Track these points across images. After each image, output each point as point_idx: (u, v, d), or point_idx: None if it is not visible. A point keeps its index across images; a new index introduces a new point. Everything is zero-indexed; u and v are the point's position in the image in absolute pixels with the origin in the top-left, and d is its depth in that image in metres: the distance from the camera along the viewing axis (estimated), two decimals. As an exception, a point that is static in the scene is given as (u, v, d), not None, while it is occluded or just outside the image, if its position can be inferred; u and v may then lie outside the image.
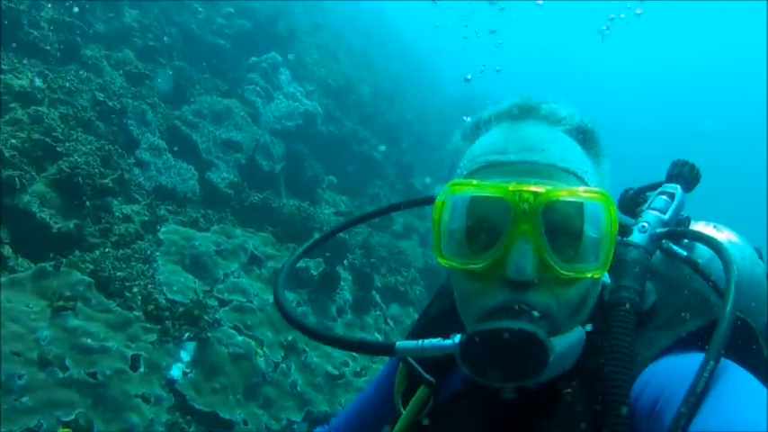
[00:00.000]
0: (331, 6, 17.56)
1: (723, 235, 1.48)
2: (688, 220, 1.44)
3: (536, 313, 1.09)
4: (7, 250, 5.20)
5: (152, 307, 5.35)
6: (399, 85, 17.35)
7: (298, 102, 9.86)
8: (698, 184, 1.50)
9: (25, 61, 7.03)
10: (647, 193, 1.52)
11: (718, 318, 1.05)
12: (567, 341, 1.12)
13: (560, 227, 1.13)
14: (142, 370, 4.90)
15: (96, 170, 6.00)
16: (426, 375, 1.37)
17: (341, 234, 7.70)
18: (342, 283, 7.06)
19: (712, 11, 48.42)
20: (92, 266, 5.30)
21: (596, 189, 1.14)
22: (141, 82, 8.26)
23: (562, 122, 1.25)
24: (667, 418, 0.98)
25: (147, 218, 6.46)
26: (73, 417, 4.36)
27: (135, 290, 5.36)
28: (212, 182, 7.64)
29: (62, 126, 6.40)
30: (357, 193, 10.36)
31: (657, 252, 1.36)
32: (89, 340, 4.74)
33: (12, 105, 6.38)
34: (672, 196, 1.43)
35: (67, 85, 7.03)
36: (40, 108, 6.45)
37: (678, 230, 1.36)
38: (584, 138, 1.25)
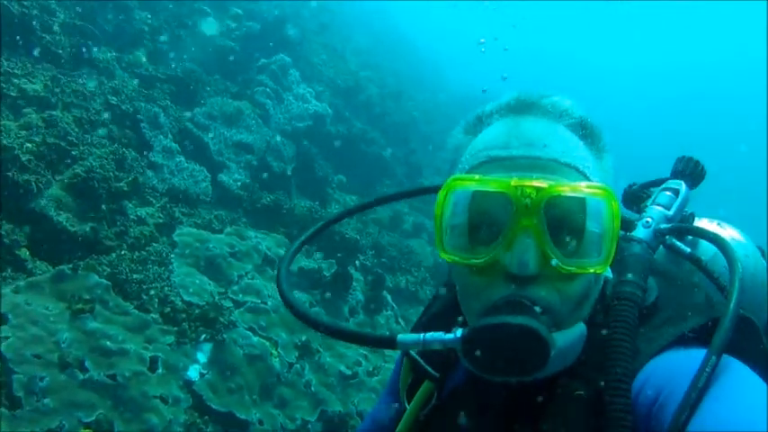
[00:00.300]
0: (337, 6, 17.61)
1: (727, 232, 1.46)
2: (692, 217, 1.43)
3: (538, 308, 1.08)
4: (25, 253, 5.27)
5: (169, 309, 5.41)
6: (405, 83, 17.39)
7: (307, 103, 9.91)
8: (703, 181, 1.48)
9: (39, 65, 7.11)
10: (652, 189, 1.50)
11: (720, 314, 1.05)
12: (569, 336, 1.12)
13: (562, 222, 1.13)
14: (160, 371, 4.96)
15: (111, 173, 6.06)
16: (430, 369, 1.38)
17: (353, 235, 7.77)
18: (354, 283, 7.11)
19: (712, 12, 48.38)
20: (109, 269, 5.36)
21: (598, 184, 1.14)
22: (153, 84, 8.33)
23: (564, 117, 1.25)
24: (669, 413, 0.98)
25: (161, 220, 6.53)
26: (93, 418, 4.43)
27: (152, 292, 5.42)
28: (224, 183, 7.70)
29: (76, 130, 6.47)
30: (366, 193, 10.40)
31: (661, 248, 1.35)
32: (108, 342, 4.80)
33: (26, 110, 6.47)
34: (676, 192, 1.42)
35: (80, 88, 7.10)
36: (54, 112, 6.53)
37: (682, 227, 1.35)
38: (586, 133, 1.25)
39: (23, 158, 5.48)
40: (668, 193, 1.42)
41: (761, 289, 1.43)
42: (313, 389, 5.89)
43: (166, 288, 5.59)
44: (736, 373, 1.03)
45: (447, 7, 41.69)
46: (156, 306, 5.41)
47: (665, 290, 1.26)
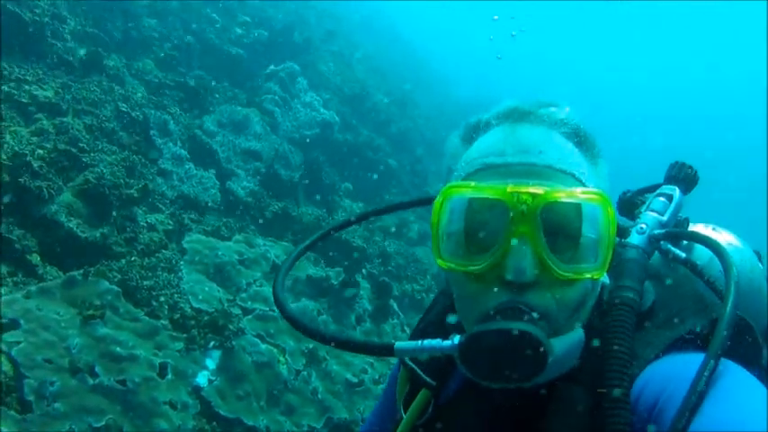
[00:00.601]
0: (343, 12, 17.70)
1: (722, 237, 1.44)
2: (687, 222, 1.42)
3: (535, 314, 1.08)
4: (36, 258, 5.32)
5: (178, 315, 5.45)
6: (410, 89, 17.45)
7: (315, 111, 9.96)
8: (696, 186, 1.47)
9: (50, 72, 7.18)
10: (645, 195, 1.49)
11: (717, 318, 1.04)
12: (567, 342, 1.12)
13: (559, 228, 1.13)
14: (170, 377, 5.00)
15: (122, 180, 6.12)
16: (426, 378, 1.37)
17: (359, 243, 7.79)
18: (360, 291, 7.14)
19: (711, 15, 48.49)
20: (119, 275, 5.41)
21: (594, 190, 1.15)
22: (162, 92, 8.39)
23: (559, 124, 1.25)
24: (668, 418, 0.98)
25: (170, 227, 6.57)
26: (103, 423, 4.47)
27: (162, 299, 5.46)
28: (233, 191, 7.74)
29: (87, 136, 6.53)
30: (373, 201, 10.44)
31: (656, 253, 1.33)
32: (118, 348, 4.84)
33: (37, 116, 6.52)
34: (670, 198, 1.41)
35: (91, 96, 7.15)
36: (65, 119, 6.59)
37: (677, 232, 1.34)
38: (581, 140, 1.26)
39: (35, 165, 5.53)
40: (662, 198, 1.41)
41: (758, 294, 1.42)
42: (320, 396, 5.92)
43: (176, 295, 5.64)
44: (735, 376, 1.02)
45: (452, 12, 41.87)
46: (165, 312, 5.46)
47: (662, 294, 1.26)
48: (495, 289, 1.11)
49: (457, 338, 1.11)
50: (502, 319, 1.07)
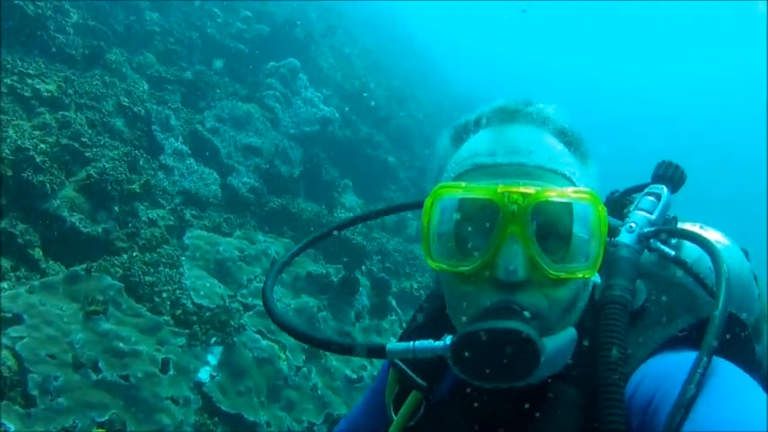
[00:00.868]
0: (344, 7, 17.68)
1: (709, 235, 1.44)
2: (675, 220, 1.42)
3: (527, 314, 1.08)
4: (38, 253, 5.34)
5: (180, 311, 5.49)
6: (410, 85, 17.47)
7: (315, 107, 9.97)
8: (683, 185, 1.47)
9: (52, 66, 7.17)
10: (633, 195, 1.50)
11: (709, 315, 1.05)
12: (559, 341, 1.11)
13: (550, 227, 1.13)
14: (172, 373, 5.04)
15: (123, 175, 6.13)
16: (418, 379, 1.37)
17: (359, 240, 7.82)
18: (360, 288, 7.18)
19: (712, 17, 48.55)
20: (122, 271, 5.43)
21: (585, 189, 1.15)
22: (163, 86, 8.39)
23: (548, 124, 1.25)
24: (662, 416, 0.98)
25: (171, 222, 6.60)
26: (106, 417, 4.51)
27: (164, 295, 5.49)
28: (233, 187, 7.76)
29: (89, 131, 6.54)
30: (372, 198, 10.47)
31: (646, 252, 1.33)
32: (121, 344, 4.88)
33: (39, 110, 6.53)
34: (658, 197, 1.40)
35: (93, 90, 7.16)
36: (68, 113, 6.59)
37: (666, 229, 1.34)
38: (571, 139, 1.26)
39: (38, 159, 5.55)
40: (650, 197, 1.40)
41: (746, 290, 1.44)
42: (319, 392, 5.97)
43: (178, 291, 5.67)
44: (728, 373, 1.03)
45: (453, 8, 41.80)
46: (167, 308, 5.49)
47: (653, 293, 1.26)
48: (487, 289, 1.12)
49: (449, 339, 1.11)
50: (494, 319, 1.06)
